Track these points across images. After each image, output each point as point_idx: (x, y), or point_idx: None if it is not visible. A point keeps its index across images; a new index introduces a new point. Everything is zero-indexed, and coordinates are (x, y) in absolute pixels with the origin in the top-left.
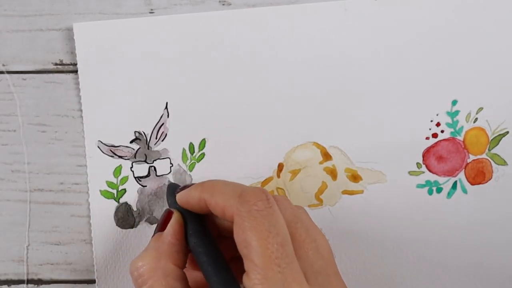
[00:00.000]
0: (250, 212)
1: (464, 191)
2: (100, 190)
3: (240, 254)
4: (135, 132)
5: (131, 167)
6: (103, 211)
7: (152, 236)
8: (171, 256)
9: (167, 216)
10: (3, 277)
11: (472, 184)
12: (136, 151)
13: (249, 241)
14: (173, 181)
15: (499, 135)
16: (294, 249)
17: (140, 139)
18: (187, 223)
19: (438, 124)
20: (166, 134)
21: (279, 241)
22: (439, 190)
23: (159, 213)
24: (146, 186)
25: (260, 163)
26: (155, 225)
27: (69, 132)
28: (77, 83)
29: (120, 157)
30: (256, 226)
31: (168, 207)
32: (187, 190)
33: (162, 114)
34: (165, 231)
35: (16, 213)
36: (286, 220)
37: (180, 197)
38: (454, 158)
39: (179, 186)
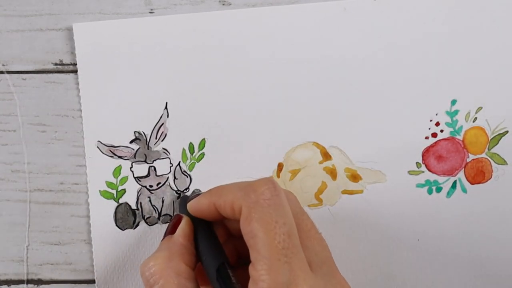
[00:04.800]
0: (258, 202)
1: (464, 190)
2: (100, 191)
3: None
4: (134, 132)
5: (131, 167)
6: (103, 211)
7: (162, 239)
8: (182, 257)
9: (177, 220)
10: (3, 277)
11: (471, 183)
12: (136, 151)
13: (255, 232)
14: (173, 181)
15: (499, 134)
16: (300, 238)
17: (139, 139)
18: (197, 229)
19: (437, 124)
20: (166, 134)
21: (286, 231)
22: (439, 189)
23: (158, 213)
24: (146, 186)
25: (260, 163)
26: (154, 226)
27: (69, 132)
28: (77, 83)
29: (120, 157)
30: (263, 217)
31: (178, 213)
32: (197, 199)
33: (162, 114)
34: (176, 233)
35: (16, 213)
36: (293, 211)
37: (191, 205)
38: (453, 157)
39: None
